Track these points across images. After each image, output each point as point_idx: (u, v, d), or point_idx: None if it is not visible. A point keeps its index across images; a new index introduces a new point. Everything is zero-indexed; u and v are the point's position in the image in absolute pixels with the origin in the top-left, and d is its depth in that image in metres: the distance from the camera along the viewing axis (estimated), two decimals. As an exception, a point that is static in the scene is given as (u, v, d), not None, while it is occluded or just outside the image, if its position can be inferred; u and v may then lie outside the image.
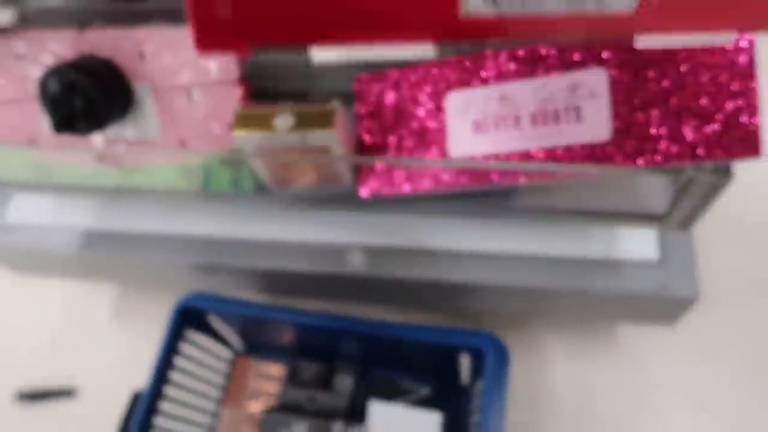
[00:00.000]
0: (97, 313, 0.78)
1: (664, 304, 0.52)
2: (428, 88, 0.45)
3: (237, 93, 0.45)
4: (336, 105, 0.42)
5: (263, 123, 0.43)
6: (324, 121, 0.42)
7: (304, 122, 0.42)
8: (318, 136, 0.42)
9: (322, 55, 0.15)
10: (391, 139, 0.46)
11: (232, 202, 0.52)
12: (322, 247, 0.57)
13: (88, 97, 0.44)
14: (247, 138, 0.43)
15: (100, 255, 0.62)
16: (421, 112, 0.45)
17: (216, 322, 0.65)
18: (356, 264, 0.56)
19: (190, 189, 0.51)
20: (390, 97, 0.46)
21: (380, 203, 0.49)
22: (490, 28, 0.13)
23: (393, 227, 0.56)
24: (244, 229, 0.58)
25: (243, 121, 0.43)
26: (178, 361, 0.60)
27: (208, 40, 0.14)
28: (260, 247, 0.58)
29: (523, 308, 0.61)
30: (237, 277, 0.63)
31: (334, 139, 0.43)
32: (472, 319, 0.71)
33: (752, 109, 0.37)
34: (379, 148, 0.47)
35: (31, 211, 0.64)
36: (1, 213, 0.64)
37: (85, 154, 0.51)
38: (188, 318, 0.61)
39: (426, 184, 0.45)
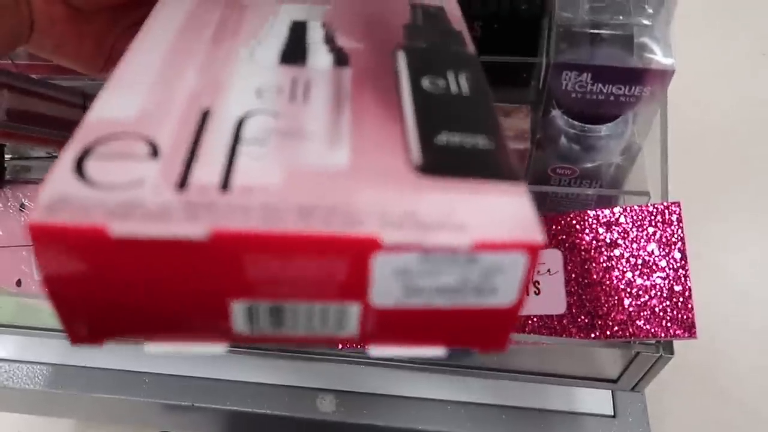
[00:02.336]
0: (49, 447, 0.75)
1: (618, 457, 0.55)
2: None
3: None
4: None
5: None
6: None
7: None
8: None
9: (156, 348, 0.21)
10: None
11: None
12: (292, 390, 0.59)
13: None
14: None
15: (66, 392, 0.61)
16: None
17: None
18: (326, 409, 0.58)
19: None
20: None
21: (351, 352, 0.52)
22: (257, 340, 0.20)
23: (363, 375, 0.58)
24: (214, 369, 0.60)
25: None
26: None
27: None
28: (230, 389, 0.59)
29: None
30: (203, 417, 0.64)
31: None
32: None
33: (683, 289, 0.43)
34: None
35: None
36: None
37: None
38: (151, 460, 0.61)
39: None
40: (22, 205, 0.50)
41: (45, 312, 0.53)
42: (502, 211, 0.17)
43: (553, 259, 0.45)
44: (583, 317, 0.44)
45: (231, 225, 0.16)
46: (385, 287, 0.17)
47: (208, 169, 0.18)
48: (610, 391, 0.57)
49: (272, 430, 0.62)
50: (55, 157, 0.57)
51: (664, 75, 0.41)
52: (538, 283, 0.45)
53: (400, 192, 0.17)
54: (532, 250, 0.16)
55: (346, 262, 0.17)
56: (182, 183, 0.18)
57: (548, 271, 0.45)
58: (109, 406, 0.64)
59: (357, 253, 0.16)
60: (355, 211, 0.16)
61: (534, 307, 0.45)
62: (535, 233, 0.16)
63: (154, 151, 0.19)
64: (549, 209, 0.48)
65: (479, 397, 0.57)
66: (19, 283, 0.52)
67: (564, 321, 0.44)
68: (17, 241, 0.51)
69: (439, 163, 0.18)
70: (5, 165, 0.49)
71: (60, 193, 0.16)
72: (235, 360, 0.60)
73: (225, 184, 0.17)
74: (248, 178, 0.18)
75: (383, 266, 0.17)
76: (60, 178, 0.17)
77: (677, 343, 0.43)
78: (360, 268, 0.17)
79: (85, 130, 0.19)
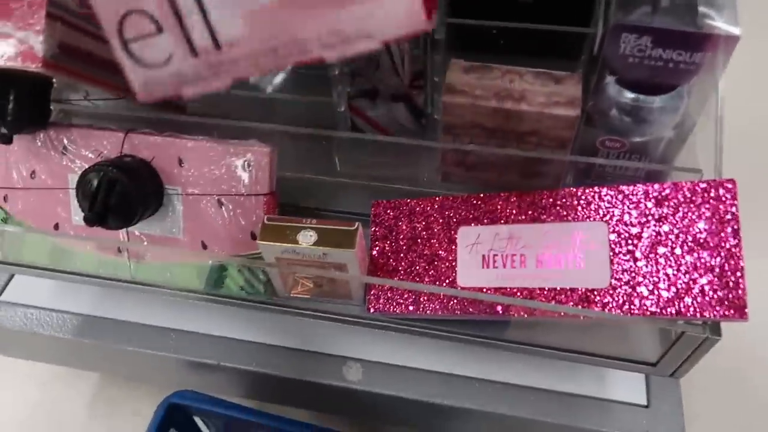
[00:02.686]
0: (74, 400, 0.76)
1: (649, 448, 0.53)
2: (441, 220, 0.49)
3: (264, 204, 0.48)
4: (357, 226, 0.45)
5: (288, 236, 0.45)
6: (345, 240, 0.45)
7: (325, 239, 0.45)
8: (337, 254, 0.45)
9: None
10: (402, 262, 0.49)
11: (237, 304, 0.54)
12: (320, 357, 0.58)
13: (125, 196, 0.46)
14: (270, 248, 0.46)
15: (93, 342, 0.62)
16: (433, 241, 0.49)
17: (201, 424, 0.64)
18: (352, 377, 0.57)
19: (199, 289, 0.52)
20: (404, 225, 0.50)
21: (383, 320, 0.51)
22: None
23: (391, 345, 0.58)
24: (246, 331, 0.59)
25: (269, 231, 0.46)
26: (157, 463, 0.59)
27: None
28: (257, 350, 0.59)
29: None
30: (227, 378, 0.63)
31: (351, 257, 0.45)
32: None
33: (735, 268, 0.41)
34: (390, 269, 0.50)
35: (30, 292, 0.64)
36: (-1, 290, 0.65)
37: (105, 245, 0.52)
38: (174, 417, 0.60)
39: (431, 309, 0.48)
40: (65, 148, 0.50)
41: (80, 257, 0.54)
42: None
43: (598, 232, 0.44)
44: (626, 293, 0.42)
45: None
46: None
47: (200, 35, 0.28)
48: (644, 380, 0.55)
49: (296, 394, 0.61)
50: (95, 100, 0.58)
51: (729, 41, 0.39)
52: (582, 256, 0.44)
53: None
54: None
55: None
56: (194, 51, 0.28)
57: (592, 243, 0.44)
58: (133, 360, 0.64)
59: None
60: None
61: (577, 279, 0.44)
62: None
63: (159, 27, 0.29)
64: (595, 182, 0.47)
65: (509, 376, 0.56)
66: (56, 227, 0.53)
67: (606, 296, 0.43)
68: (58, 183, 0.51)
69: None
70: (51, 106, 0.49)
71: (139, 77, 0.29)
72: (263, 321, 0.59)
73: (217, 45, 0.28)
74: (226, 36, 0.28)
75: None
76: (130, 68, 0.29)
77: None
78: None
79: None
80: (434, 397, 0.56)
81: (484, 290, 0.46)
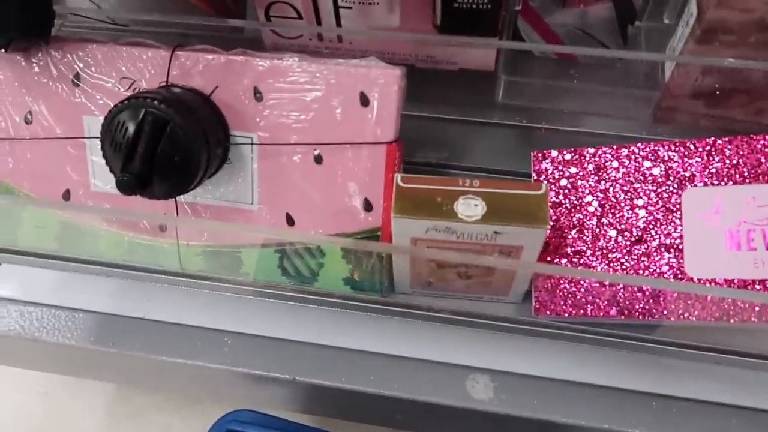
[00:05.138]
0: (86, 414, 0.60)
1: None
2: (650, 178, 0.33)
3: (386, 158, 0.32)
4: (545, 188, 0.29)
5: (440, 206, 0.29)
6: (532, 211, 0.29)
7: (499, 211, 0.29)
8: (522, 233, 0.29)
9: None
10: (584, 243, 0.34)
11: (326, 303, 0.38)
12: (435, 367, 0.43)
13: (179, 147, 0.30)
14: (408, 225, 0.30)
15: (115, 350, 0.46)
16: (636, 211, 0.33)
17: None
18: (479, 395, 0.42)
19: (282, 282, 0.36)
20: (587, 186, 0.34)
21: (548, 325, 0.35)
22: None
23: (529, 349, 0.42)
24: (332, 335, 0.44)
25: (407, 200, 0.30)
26: None
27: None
28: (346, 359, 0.43)
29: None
30: (296, 393, 0.48)
31: (540, 238, 0.29)
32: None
33: None
34: (563, 252, 0.34)
35: (26, 284, 0.48)
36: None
37: (139, 222, 0.36)
38: (229, 448, 0.45)
39: (634, 311, 0.32)
40: (77, 76, 0.33)
41: (102, 239, 0.37)
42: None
43: None
44: None
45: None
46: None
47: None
48: None
49: (405, 417, 0.46)
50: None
51: None
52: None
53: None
54: None
55: None
56: (320, 38, 0.37)
57: None
58: (168, 371, 0.48)
59: None
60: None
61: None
62: None
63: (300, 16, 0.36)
64: None
65: (701, 392, 0.41)
66: (67, 194, 0.36)
67: None
68: (68, 129, 0.34)
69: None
70: (53, 10, 0.32)
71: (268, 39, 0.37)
72: (359, 324, 0.43)
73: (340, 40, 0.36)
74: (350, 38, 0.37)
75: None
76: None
77: None
78: None
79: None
80: (593, 420, 0.41)
81: (734, 284, 0.30)
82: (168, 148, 0.30)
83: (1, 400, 0.62)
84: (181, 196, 0.34)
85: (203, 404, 0.59)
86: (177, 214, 0.35)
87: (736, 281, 0.30)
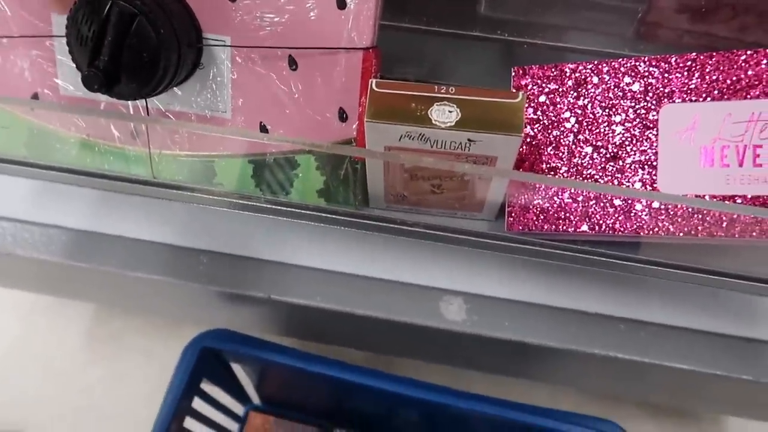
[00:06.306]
0: (65, 335, 0.61)
1: None
2: (628, 93, 0.32)
3: (362, 64, 0.31)
4: (522, 96, 0.29)
5: (414, 111, 0.29)
6: (508, 118, 0.28)
7: (474, 118, 0.29)
8: (497, 141, 0.29)
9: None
10: (560, 158, 0.33)
11: (302, 215, 0.38)
12: (409, 289, 0.43)
13: (147, 42, 0.29)
14: (382, 131, 0.29)
15: (91, 265, 0.45)
16: (613, 127, 0.33)
17: (235, 370, 0.50)
18: (453, 316, 0.42)
19: (253, 192, 0.36)
20: (565, 101, 0.34)
21: (522, 241, 0.36)
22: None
23: (501, 271, 0.43)
24: (309, 254, 0.44)
25: (382, 105, 0.29)
26: (188, 423, 0.45)
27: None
28: (319, 279, 0.44)
29: (640, 390, 0.49)
30: (271, 314, 0.48)
31: (514, 146, 0.29)
32: (545, 395, 0.58)
33: None
34: (540, 168, 0.34)
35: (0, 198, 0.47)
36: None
37: (110, 127, 0.35)
38: (204, 363, 0.46)
39: (607, 227, 0.32)
40: (42, -30, 0.32)
41: (72, 145, 0.36)
42: None
43: None
44: None
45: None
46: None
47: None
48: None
49: (367, 336, 0.47)
50: None
51: None
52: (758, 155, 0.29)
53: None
54: None
55: None
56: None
57: None
58: (145, 290, 0.48)
59: None
60: None
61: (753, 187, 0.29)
62: None
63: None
64: None
65: (663, 317, 0.42)
66: (36, 96, 0.35)
67: None
68: (35, 27, 0.33)
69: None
70: None
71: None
72: (336, 240, 0.43)
73: None
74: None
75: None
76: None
77: None
78: None
79: None
80: (565, 342, 0.42)
81: (706, 199, 0.30)
82: (136, 44, 0.29)
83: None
84: (152, 100, 0.33)
85: (182, 327, 0.59)
86: (149, 117, 0.34)
87: (707, 197, 0.30)
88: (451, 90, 0.29)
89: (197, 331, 0.46)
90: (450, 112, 0.29)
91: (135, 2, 0.28)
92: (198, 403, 0.46)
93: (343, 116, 0.33)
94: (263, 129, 0.34)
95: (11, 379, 0.59)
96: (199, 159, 0.35)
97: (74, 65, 0.30)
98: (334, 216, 0.35)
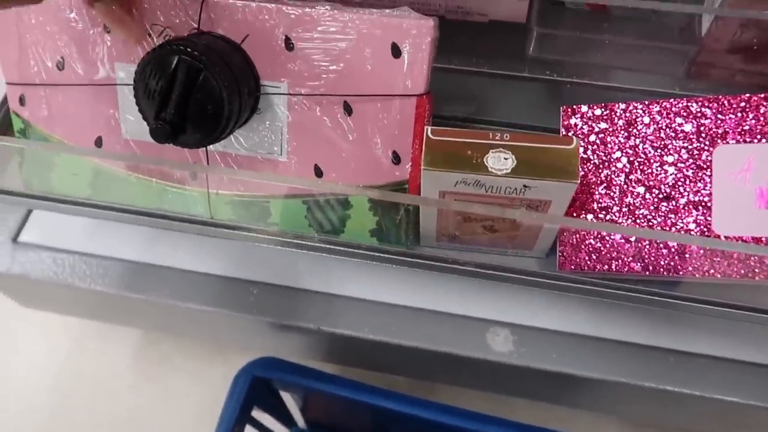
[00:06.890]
0: (114, 357, 0.63)
1: None
2: (681, 134, 0.32)
3: (415, 110, 0.32)
4: (575, 142, 0.29)
5: (470, 158, 0.29)
6: (562, 166, 0.29)
7: (529, 165, 0.29)
8: (551, 188, 0.29)
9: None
10: (611, 198, 0.34)
11: (353, 254, 0.38)
12: (457, 321, 0.43)
13: (212, 95, 0.30)
14: (438, 177, 0.30)
15: (144, 296, 0.47)
16: (666, 167, 0.33)
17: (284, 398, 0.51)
18: (500, 347, 0.43)
19: (308, 232, 0.37)
20: (616, 141, 0.34)
21: (571, 279, 0.36)
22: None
23: (552, 304, 0.43)
24: (359, 287, 0.44)
25: (438, 152, 0.30)
26: (239, 451, 0.46)
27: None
28: (369, 310, 0.44)
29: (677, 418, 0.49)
30: (319, 343, 0.49)
31: (569, 192, 0.30)
32: (587, 422, 0.57)
33: None
34: (591, 208, 0.34)
35: (57, 231, 0.49)
36: (11, 228, 0.49)
37: (171, 170, 0.36)
38: (255, 392, 0.47)
39: (657, 267, 0.32)
40: (109, 23, 0.33)
41: (133, 187, 0.38)
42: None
43: None
44: None
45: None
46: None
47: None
48: None
49: (426, 368, 0.47)
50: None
51: None
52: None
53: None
54: None
55: None
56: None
57: None
58: (198, 319, 0.50)
59: None
60: None
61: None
62: None
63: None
64: None
65: (715, 349, 0.42)
66: (99, 141, 0.36)
67: None
68: (102, 77, 0.35)
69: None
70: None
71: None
72: (385, 276, 0.44)
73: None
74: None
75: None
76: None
77: None
78: None
79: None
80: (611, 374, 0.42)
81: (762, 242, 0.30)
82: (201, 96, 0.30)
83: (35, 345, 0.64)
84: (211, 145, 0.35)
85: (228, 351, 0.61)
86: (207, 163, 0.36)
87: (764, 239, 0.30)
88: (506, 137, 0.30)
89: (243, 355, 0.47)
90: (505, 159, 0.29)
91: (201, 58, 0.29)
92: (249, 431, 0.47)
93: (396, 159, 0.33)
94: (317, 170, 0.35)
95: (62, 400, 0.61)
96: (254, 200, 0.36)
97: (138, 112, 0.31)
98: (385, 255, 0.36)
